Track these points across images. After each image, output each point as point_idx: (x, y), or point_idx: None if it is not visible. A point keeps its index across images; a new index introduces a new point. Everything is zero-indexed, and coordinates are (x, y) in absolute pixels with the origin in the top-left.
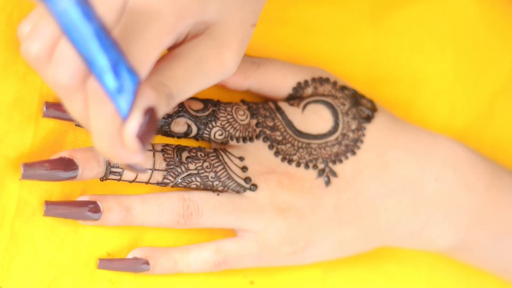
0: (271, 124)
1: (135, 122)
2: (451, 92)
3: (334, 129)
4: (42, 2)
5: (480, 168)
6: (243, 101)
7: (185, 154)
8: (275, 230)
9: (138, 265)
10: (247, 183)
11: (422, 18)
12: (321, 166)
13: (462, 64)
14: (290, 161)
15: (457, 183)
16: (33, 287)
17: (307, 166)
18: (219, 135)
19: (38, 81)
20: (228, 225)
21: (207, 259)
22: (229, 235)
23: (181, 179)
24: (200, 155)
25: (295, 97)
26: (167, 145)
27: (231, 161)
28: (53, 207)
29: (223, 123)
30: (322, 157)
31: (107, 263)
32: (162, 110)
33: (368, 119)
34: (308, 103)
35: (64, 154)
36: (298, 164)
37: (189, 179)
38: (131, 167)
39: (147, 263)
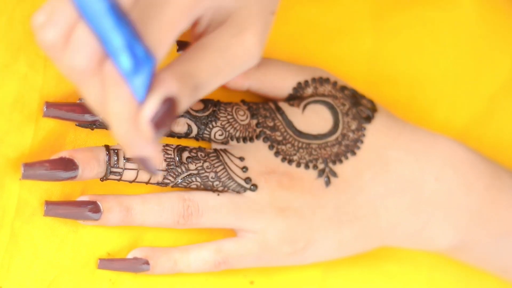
0: (271, 124)
1: (151, 107)
2: (451, 92)
3: (334, 129)
4: None
5: (480, 168)
6: (243, 101)
7: (185, 154)
8: (275, 230)
9: (138, 265)
10: (247, 183)
11: (422, 18)
12: (321, 166)
13: (462, 64)
14: (290, 161)
15: (457, 183)
16: (33, 287)
17: (307, 166)
18: (219, 135)
19: (38, 81)
20: (228, 225)
21: (207, 259)
22: (229, 235)
23: (181, 179)
24: (201, 155)
25: (295, 97)
26: (167, 145)
27: (231, 161)
28: (53, 207)
29: (223, 123)
30: (322, 157)
31: (107, 263)
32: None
33: (368, 119)
34: (308, 103)
35: (64, 154)
36: (298, 164)
37: (189, 179)
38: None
39: (147, 263)
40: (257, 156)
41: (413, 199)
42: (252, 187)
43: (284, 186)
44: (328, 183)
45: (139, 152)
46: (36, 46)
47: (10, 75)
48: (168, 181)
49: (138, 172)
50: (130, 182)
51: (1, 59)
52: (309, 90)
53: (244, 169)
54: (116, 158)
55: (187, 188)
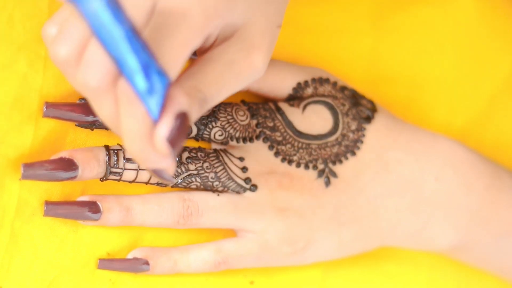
0: (271, 124)
1: (166, 125)
2: (451, 92)
3: (334, 129)
4: (72, 3)
5: (480, 168)
6: (243, 102)
7: (185, 155)
8: (275, 230)
9: (138, 265)
10: (247, 183)
11: (422, 18)
12: (321, 166)
13: (462, 64)
14: (290, 162)
15: (457, 183)
16: (33, 287)
17: (307, 167)
18: (219, 135)
19: (38, 81)
20: (228, 225)
21: (207, 259)
22: (229, 235)
23: (181, 179)
24: (200, 155)
25: (295, 97)
26: None
27: (231, 161)
28: (53, 207)
29: (223, 123)
30: (322, 158)
31: (107, 263)
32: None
33: (368, 119)
34: (308, 103)
35: (64, 154)
36: (298, 165)
37: (189, 180)
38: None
39: (147, 263)
40: (257, 156)
41: (413, 199)
42: (252, 187)
43: (284, 186)
44: (328, 183)
45: (154, 166)
46: (36, 46)
47: (10, 75)
48: None
49: (138, 172)
50: (130, 182)
51: (1, 59)
52: (309, 90)
53: (244, 169)
54: (116, 158)
55: (187, 188)
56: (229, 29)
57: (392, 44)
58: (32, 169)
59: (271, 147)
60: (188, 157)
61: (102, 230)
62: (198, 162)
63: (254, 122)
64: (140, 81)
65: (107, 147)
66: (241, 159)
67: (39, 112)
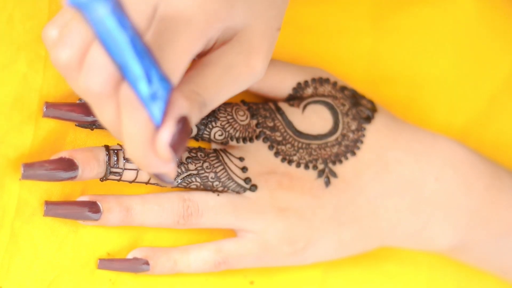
0: (271, 124)
1: (168, 130)
2: (451, 92)
3: (334, 129)
4: (77, 9)
5: (480, 168)
6: (243, 102)
7: (185, 155)
8: (275, 230)
9: (138, 265)
10: (247, 183)
11: (422, 18)
12: (321, 166)
13: (462, 64)
14: (290, 162)
15: (457, 183)
16: (33, 287)
17: (307, 167)
18: (219, 135)
19: (38, 81)
20: (228, 225)
21: (207, 259)
22: (229, 235)
23: (181, 179)
24: (200, 155)
25: (295, 97)
26: None
27: (231, 161)
28: (53, 207)
29: (223, 123)
30: (322, 158)
31: (107, 263)
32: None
33: (368, 119)
34: (308, 103)
35: (64, 154)
36: (298, 165)
37: (189, 180)
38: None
39: (147, 263)
40: (257, 156)
41: (413, 199)
42: (252, 187)
43: (284, 186)
44: (328, 183)
45: (156, 170)
46: (36, 46)
47: (10, 75)
48: None
49: (138, 172)
50: (130, 182)
51: (1, 59)
52: (309, 90)
53: (244, 169)
54: (116, 158)
55: (187, 188)
56: (229, 32)
57: (392, 44)
58: (32, 169)
59: (271, 147)
60: (188, 157)
61: (102, 230)
62: (198, 162)
63: (254, 122)
64: (144, 87)
65: (107, 147)
66: (241, 159)
67: (39, 112)
